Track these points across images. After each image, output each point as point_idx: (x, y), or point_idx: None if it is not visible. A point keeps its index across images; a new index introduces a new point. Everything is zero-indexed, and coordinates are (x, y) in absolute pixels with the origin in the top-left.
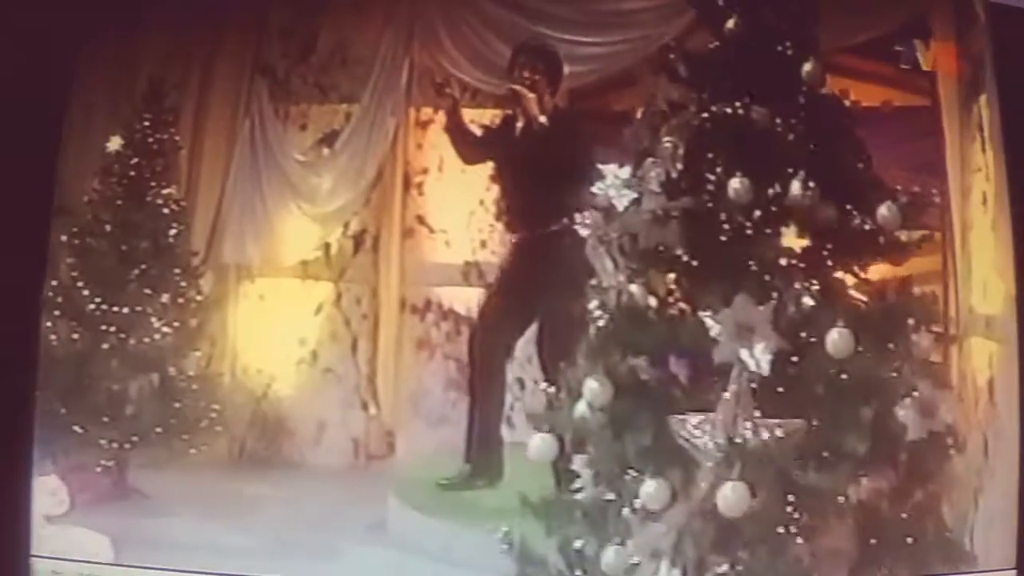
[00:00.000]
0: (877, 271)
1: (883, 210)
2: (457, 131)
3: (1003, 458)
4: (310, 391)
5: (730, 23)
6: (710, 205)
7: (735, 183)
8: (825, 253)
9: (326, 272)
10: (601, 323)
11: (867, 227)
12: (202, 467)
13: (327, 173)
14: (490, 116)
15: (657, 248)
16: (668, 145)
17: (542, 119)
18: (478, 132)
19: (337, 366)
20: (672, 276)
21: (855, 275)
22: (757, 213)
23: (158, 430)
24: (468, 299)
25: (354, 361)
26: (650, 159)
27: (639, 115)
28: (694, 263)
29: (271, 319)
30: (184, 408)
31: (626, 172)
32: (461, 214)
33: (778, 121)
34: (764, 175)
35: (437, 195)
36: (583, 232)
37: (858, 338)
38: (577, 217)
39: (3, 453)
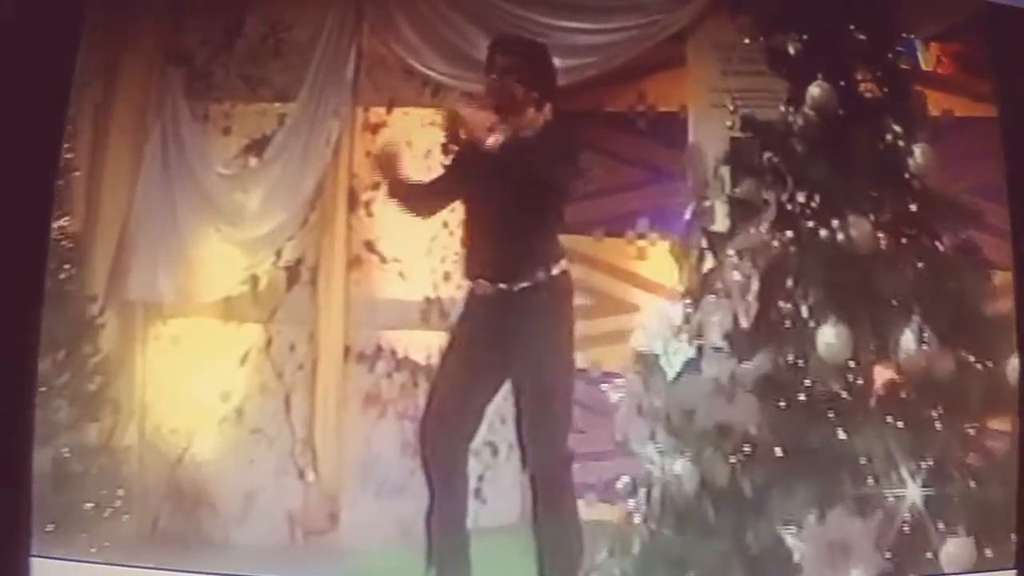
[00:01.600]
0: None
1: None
2: (402, 192)
3: None
4: (235, 456)
5: (814, 89)
6: (796, 365)
7: (828, 334)
8: (939, 425)
9: (254, 311)
10: (637, 518)
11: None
12: (106, 552)
13: (255, 188)
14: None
15: (720, 426)
16: (738, 277)
17: (491, 140)
18: (436, 175)
19: (267, 426)
20: (738, 458)
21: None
22: (858, 380)
23: (49, 528)
24: (428, 345)
25: (288, 420)
26: (711, 296)
27: (688, 214)
28: (774, 452)
29: (187, 368)
30: (82, 495)
31: (677, 313)
32: (420, 239)
33: (881, 238)
34: (867, 320)
35: (390, 216)
36: (614, 397)
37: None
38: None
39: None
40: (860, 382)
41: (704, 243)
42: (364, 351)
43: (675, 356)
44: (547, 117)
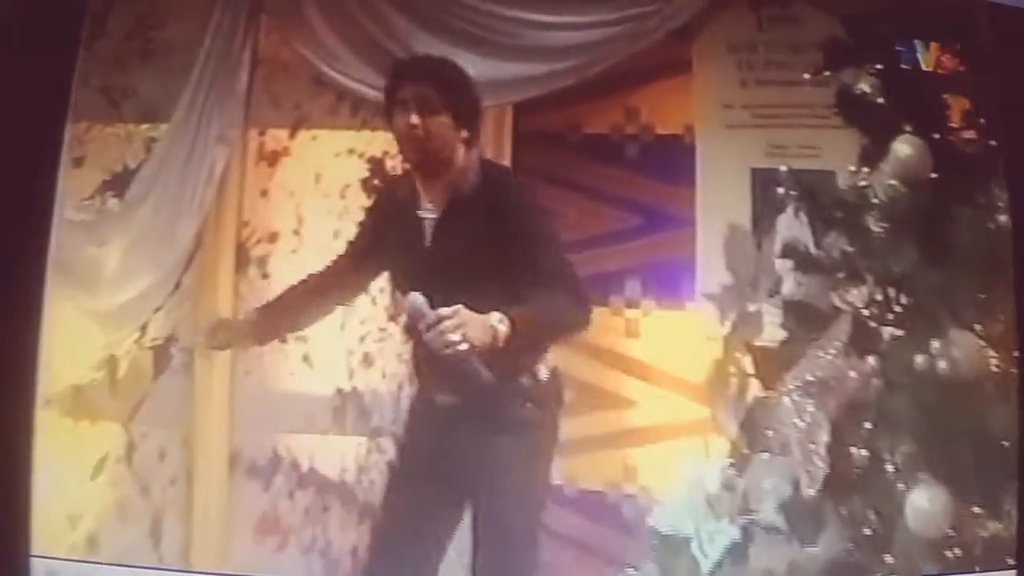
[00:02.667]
0: None
1: None
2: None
3: None
4: None
5: (902, 146)
6: (876, 540)
7: (921, 498)
8: None
9: (111, 406)
10: None
11: None
12: None
13: (114, 240)
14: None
15: None
16: (799, 421)
17: (428, 213)
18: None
19: (130, 557)
20: None
21: None
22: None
23: None
24: (341, 453)
25: (156, 551)
26: (762, 453)
27: (727, 331)
28: None
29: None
30: None
31: (713, 476)
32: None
33: (992, 358)
34: (973, 476)
35: (292, 276)
36: None
37: None
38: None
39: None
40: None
41: (749, 363)
42: (256, 461)
43: (712, 540)
44: (478, 161)
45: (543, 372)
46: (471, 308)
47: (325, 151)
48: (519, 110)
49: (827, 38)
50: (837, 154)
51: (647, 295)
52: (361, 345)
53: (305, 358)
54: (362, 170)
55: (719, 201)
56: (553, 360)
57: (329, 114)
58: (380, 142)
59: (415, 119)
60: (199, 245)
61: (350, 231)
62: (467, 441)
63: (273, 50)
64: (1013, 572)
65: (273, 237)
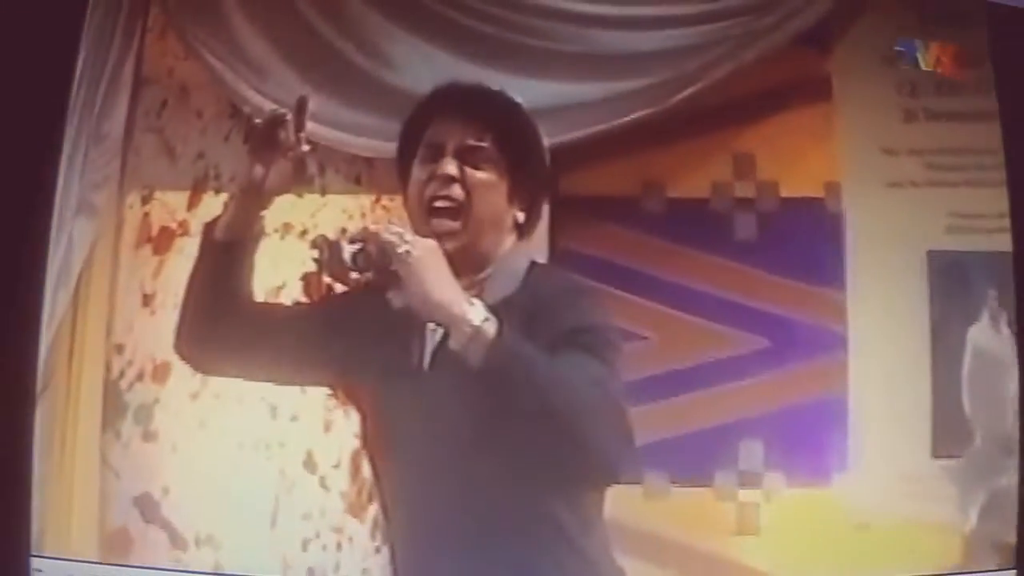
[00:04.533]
0: None
1: None
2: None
3: None
4: None
5: None
6: None
7: None
8: None
9: None
10: None
11: None
12: None
13: None
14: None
15: None
16: None
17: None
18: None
19: None
20: None
21: None
22: None
23: None
24: None
25: None
26: None
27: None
28: None
29: None
30: None
31: None
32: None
33: None
34: None
35: (192, 441)
36: None
37: None
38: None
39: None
40: None
41: None
42: None
43: None
44: (526, 266)
45: None
46: (472, 485)
47: None
48: (560, 159)
49: None
50: None
51: (772, 465)
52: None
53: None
54: (307, 260)
55: (881, 305)
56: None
57: None
58: (336, 212)
59: (452, 168)
60: (45, 383)
61: None
62: None
63: (167, 64)
64: (1013, 572)
65: (161, 372)
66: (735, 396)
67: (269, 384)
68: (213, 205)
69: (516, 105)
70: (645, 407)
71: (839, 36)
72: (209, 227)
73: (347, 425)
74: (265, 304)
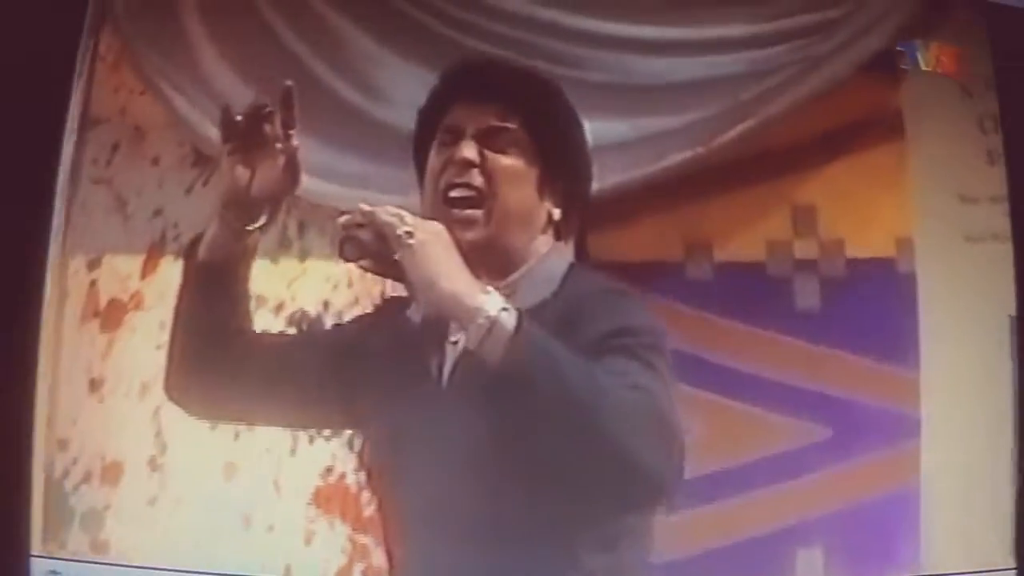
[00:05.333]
0: None
1: None
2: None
3: None
4: None
5: None
6: None
7: None
8: None
9: None
10: None
11: None
12: None
13: None
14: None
15: None
16: None
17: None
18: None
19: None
20: None
21: None
22: None
23: None
24: None
25: None
26: None
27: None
28: None
29: None
30: None
31: None
32: None
33: None
34: None
35: (149, 550)
36: None
37: None
38: None
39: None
40: None
41: None
42: None
43: None
44: (564, 269)
45: None
46: (488, 519)
47: None
48: (588, 215)
49: None
50: None
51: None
52: None
53: None
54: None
55: (959, 381)
56: None
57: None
58: (318, 280)
59: (470, 151)
60: None
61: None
62: None
63: (120, 101)
64: (1014, 572)
65: (112, 472)
66: (791, 497)
67: (273, 428)
68: (172, 273)
69: (551, 84)
70: (688, 513)
71: (913, 60)
72: (191, 247)
73: (332, 537)
74: (264, 334)
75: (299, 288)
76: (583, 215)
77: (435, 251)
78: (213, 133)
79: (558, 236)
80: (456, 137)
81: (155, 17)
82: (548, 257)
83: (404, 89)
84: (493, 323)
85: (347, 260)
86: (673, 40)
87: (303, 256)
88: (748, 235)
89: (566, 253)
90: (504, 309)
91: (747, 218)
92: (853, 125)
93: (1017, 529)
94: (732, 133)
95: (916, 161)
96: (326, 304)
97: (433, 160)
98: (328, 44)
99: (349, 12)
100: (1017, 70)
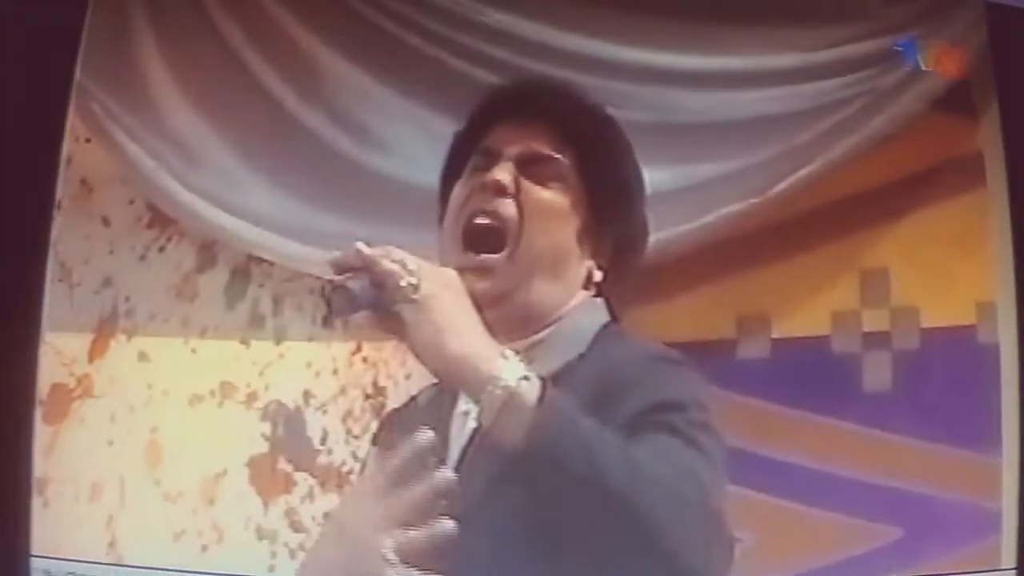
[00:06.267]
0: None
1: None
2: None
3: None
4: None
5: None
6: None
7: None
8: None
9: None
10: None
11: None
12: None
13: None
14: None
15: None
16: None
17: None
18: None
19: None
20: None
21: None
22: None
23: None
24: None
25: None
26: None
27: None
28: None
29: None
30: None
31: None
32: None
33: None
34: None
35: None
36: None
37: None
38: None
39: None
40: None
41: None
42: None
43: None
44: (596, 327)
45: None
46: None
47: (174, 390)
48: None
49: None
50: None
51: None
52: None
53: None
54: (256, 437)
55: None
56: None
57: (182, 299)
58: (297, 366)
59: (504, 175)
60: None
61: None
62: None
63: (65, 149)
64: (1014, 572)
65: None
66: None
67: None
68: (124, 354)
69: (614, 120)
70: None
71: (990, 95)
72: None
73: None
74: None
75: (274, 375)
76: (628, 284)
77: (443, 305)
78: (170, 185)
79: (597, 290)
80: (492, 160)
81: (106, 50)
82: (577, 312)
83: (398, 129)
84: (512, 395)
85: (337, 315)
86: (715, 72)
87: (279, 337)
88: (810, 306)
89: (599, 309)
90: (524, 378)
91: (808, 285)
92: (926, 172)
93: (1018, 529)
94: (787, 182)
95: (999, 213)
96: (306, 395)
97: (459, 188)
98: (310, 78)
99: (340, 48)
100: (1017, 70)
